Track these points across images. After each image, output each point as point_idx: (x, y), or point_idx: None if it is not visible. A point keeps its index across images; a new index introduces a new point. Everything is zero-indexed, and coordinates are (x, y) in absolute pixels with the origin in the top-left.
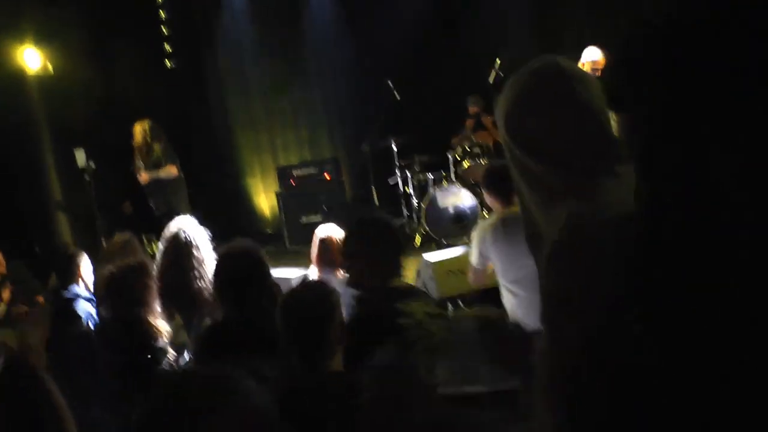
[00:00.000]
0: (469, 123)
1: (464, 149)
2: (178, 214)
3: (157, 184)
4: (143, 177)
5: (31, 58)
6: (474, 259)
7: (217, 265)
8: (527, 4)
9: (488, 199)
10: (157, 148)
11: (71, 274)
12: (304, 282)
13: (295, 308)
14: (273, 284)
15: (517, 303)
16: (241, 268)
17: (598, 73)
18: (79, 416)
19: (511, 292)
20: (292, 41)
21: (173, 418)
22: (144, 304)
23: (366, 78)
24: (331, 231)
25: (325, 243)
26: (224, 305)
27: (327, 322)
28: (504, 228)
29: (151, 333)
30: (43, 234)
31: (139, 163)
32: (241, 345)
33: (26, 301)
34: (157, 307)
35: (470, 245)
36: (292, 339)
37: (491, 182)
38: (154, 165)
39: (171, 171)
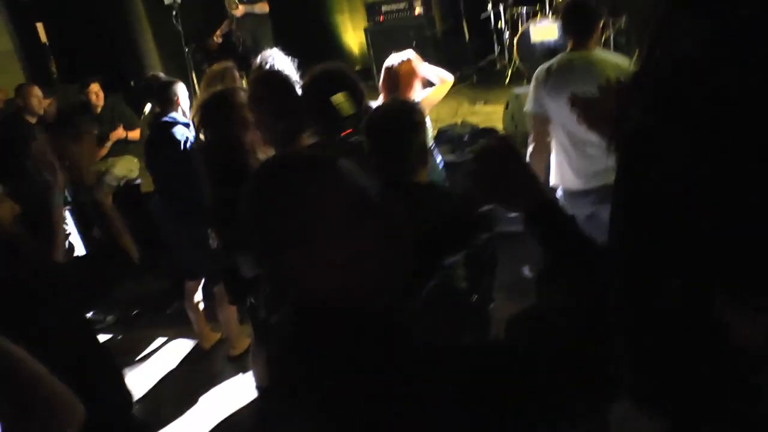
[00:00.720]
0: None
1: None
2: (263, 50)
3: (247, 18)
4: (239, 10)
5: None
6: (529, 103)
7: (309, 83)
8: None
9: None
10: None
11: (169, 101)
12: (393, 98)
13: (380, 119)
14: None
15: (567, 161)
16: (334, 86)
17: None
18: (184, 233)
19: (561, 147)
20: None
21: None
22: (240, 126)
23: None
24: (395, 58)
25: (390, 71)
26: (316, 125)
27: (410, 135)
28: (563, 71)
29: (248, 153)
30: (136, 68)
31: None
32: None
33: (128, 128)
34: (255, 133)
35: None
36: (375, 150)
37: (566, 16)
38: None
39: (264, 7)
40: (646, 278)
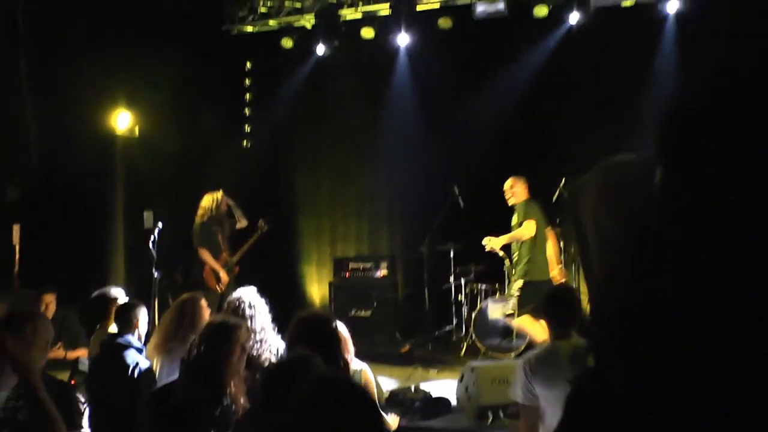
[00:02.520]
0: None
1: None
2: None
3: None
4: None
5: (122, 120)
6: (518, 393)
7: (297, 327)
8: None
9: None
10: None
11: (129, 323)
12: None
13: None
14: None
15: None
16: (320, 332)
17: None
18: None
19: None
20: (367, 133)
21: None
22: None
23: (434, 180)
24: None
25: None
26: None
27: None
28: (551, 360)
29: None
30: (100, 285)
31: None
32: None
33: (70, 347)
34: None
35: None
36: None
37: (548, 304)
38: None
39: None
40: None
